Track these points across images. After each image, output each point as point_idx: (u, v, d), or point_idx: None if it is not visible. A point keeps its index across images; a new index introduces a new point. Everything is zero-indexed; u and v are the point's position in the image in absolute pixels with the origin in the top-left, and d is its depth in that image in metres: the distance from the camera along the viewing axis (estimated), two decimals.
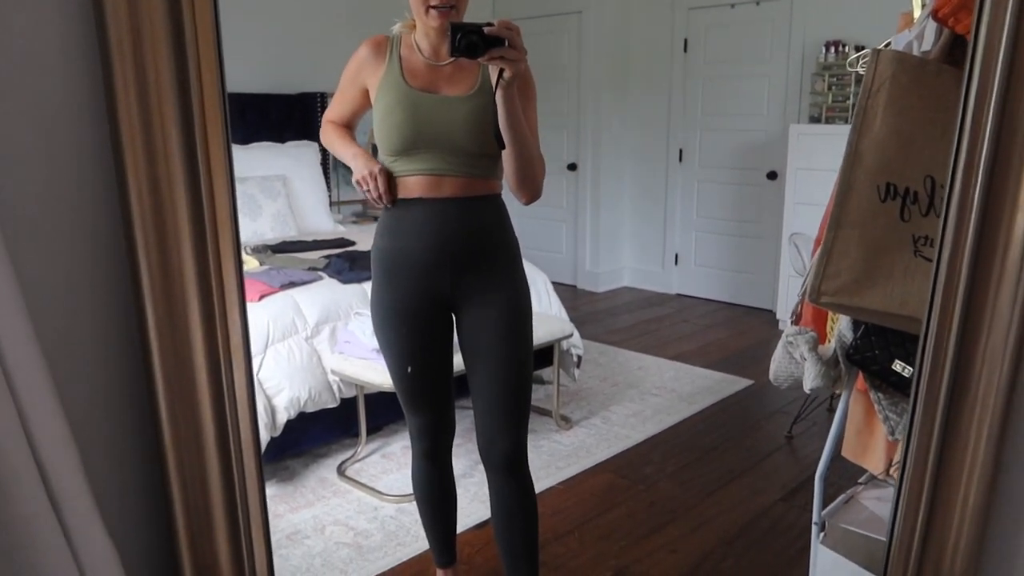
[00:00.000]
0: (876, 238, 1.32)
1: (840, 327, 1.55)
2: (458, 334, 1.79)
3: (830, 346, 1.58)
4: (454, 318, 1.78)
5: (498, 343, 1.71)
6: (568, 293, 5.87)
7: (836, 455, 1.80)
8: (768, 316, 5.11)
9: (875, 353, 1.46)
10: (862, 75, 1.48)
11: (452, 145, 1.62)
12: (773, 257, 5.10)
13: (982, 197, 0.86)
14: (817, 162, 4.46)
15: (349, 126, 1.85)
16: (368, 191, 1.66)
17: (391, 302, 1.73)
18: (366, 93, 1.74)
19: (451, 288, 1.70)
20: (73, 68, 0.75)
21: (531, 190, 1.66)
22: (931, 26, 1.47)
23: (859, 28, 4.61)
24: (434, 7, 1.57)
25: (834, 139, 4.27)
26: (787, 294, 4.72)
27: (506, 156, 1.60)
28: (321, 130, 1.86)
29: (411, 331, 1.74)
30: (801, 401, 3.39)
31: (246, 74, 4.67)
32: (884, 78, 1.35)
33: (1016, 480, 1.05)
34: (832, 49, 4.71)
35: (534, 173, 1.65)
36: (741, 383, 3.88)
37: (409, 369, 1.77)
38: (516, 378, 1.73)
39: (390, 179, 1.66)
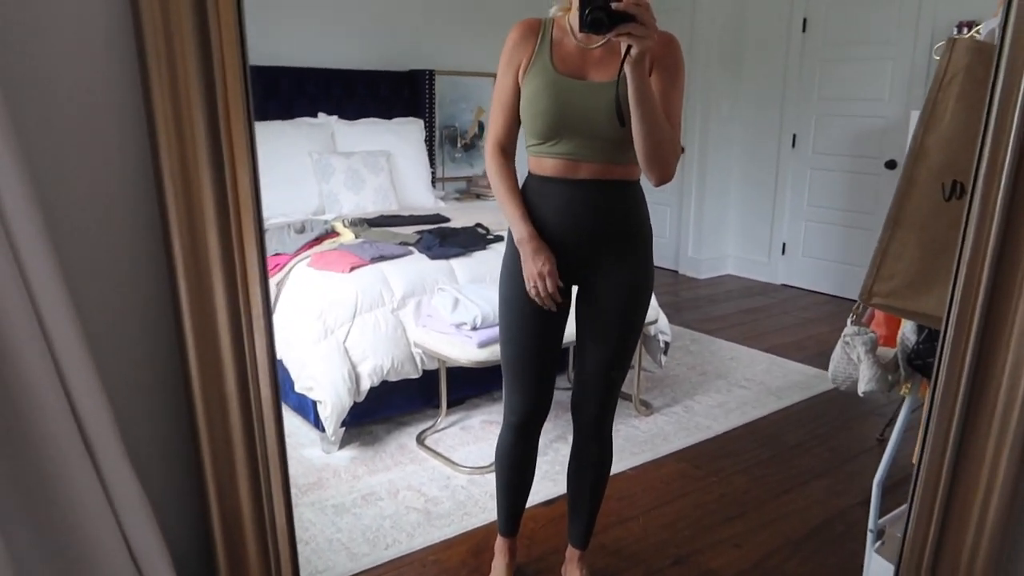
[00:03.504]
0: (936, 239, 1.26)
1: (904, 329, 1.48)
2: (577, 302, 1.86)
3: (892, 348, 1.52)
4: (576, 291, 1.85)
5: (614, 321, 1.80)
6: (669, 278, 5.80)
7: (906, 462, 1.73)
8: None
9: None
10: None
11: (593, 131, 1.65)
12: None
13: (1005, 198, 0.81)
14: None
15: (513, 140, 1.82)
16: (536, 291, 1.70)
17: (521, 270, 1.77)
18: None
19: (579, 265, 1.76)
20: (114, 67, 0.83)
21: (660, 171, 1.64)
22: None
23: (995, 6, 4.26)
24: None
25: None
26: None
27: (635, 134, 1.59)
28: (487, 156, 1.81)
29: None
30: (898, 403, 3.23)
31: (357, 51, 4.83)
32: (957, 69, 1.27)
33: None
34: (965, 30, 4.38)
35: (663, 154, 1.62)
36: None
37: (521, 350, 1.83)
38: (621, 354, 1.85)
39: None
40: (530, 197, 1.78)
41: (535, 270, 1.69)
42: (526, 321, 1.81)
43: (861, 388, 1.44)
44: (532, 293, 1.72)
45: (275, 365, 0.95)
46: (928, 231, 1.26)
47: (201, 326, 0.89)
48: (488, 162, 1.82)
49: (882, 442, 3.09)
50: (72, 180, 0.86)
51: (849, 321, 1.49)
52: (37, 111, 0.88)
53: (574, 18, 1.67)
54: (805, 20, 5.22)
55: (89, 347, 0.81)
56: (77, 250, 0.87)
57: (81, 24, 0.85)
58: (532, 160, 1.77)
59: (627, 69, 1.50)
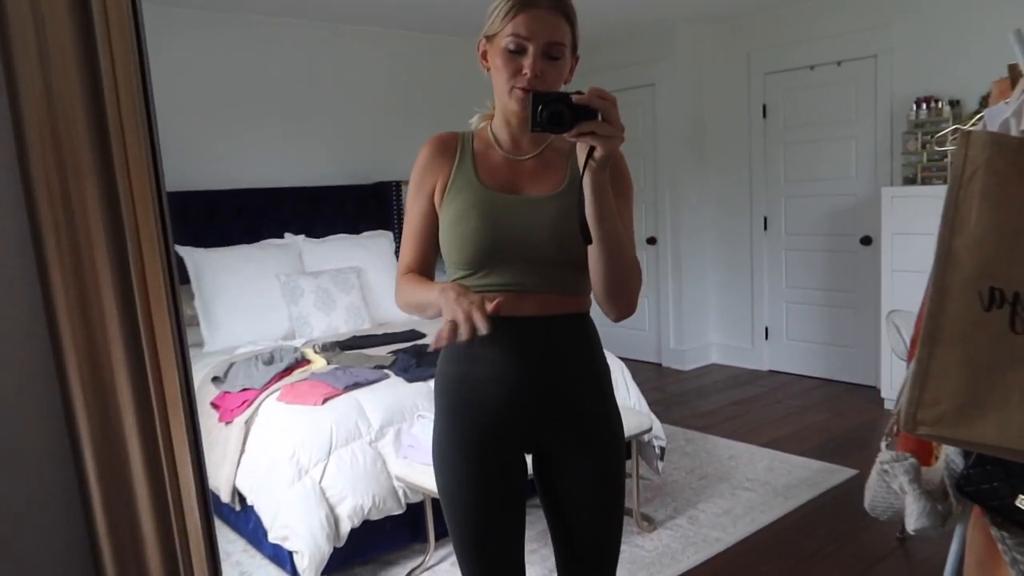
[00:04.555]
0: (981, 355, 1.11)
1: (948, 451, 1.32)
2: (539, 476, 1.52)
3: (937, 471, 1.35)
4: (531, 458, 1.51)
5: (592, 500, 1.47)
6: (653, 372, 5.63)
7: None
8: (871, 393, 4.72)
9: (992, 486, 1.23)
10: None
11: (535, 255, 1.37)
12: (873, 328, 4.74)
13: None
14: (915, 226, 4.15)
15: (429, 270, 1.49)
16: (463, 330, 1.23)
17: (457, 442, 1.43)
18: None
19: (531, 426, 1.43)
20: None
21: (623, 303, 1.37)
22: None
23: (952, 82, 4.33)
24: (521, 88, 1.33)
25: (932, 201, 3.97)
26: (891, 369, 4.35)
27: (593, 258, 1.32)
28: (396, 293, 1.48)
29: (480, 480, 1.43)
30: None
31: (321, 167, 4.77)
32: (977, 164, 1.16)
33: None
34: (924, 105, 4.44)
35: (627, 282, 1.35)
36: (844, 473, 3.54)
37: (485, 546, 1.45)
38: (607, 530, 1.50)
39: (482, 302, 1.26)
40: (460, 348, 1.38)
41: (464, 307, 1.23)
42: (484, 527, 1.43)
43: (911, 526, 1.26)
44: (454, 331, 1.24)
45: None
46: (971, 346, 1.12)
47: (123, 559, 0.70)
48: (397, 286, 1.47)
49: (903, 541, 2.88)
50: None
51: (883, 446, 1.33)
52: None
53: (499, 126, 1.45)
54: (764, 106, 5.28)
55: None
56: None
57: None
58: None
59: (588, 177, 1.23)
